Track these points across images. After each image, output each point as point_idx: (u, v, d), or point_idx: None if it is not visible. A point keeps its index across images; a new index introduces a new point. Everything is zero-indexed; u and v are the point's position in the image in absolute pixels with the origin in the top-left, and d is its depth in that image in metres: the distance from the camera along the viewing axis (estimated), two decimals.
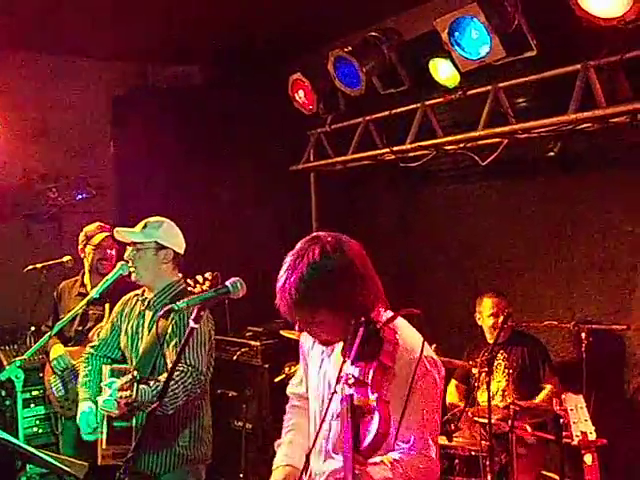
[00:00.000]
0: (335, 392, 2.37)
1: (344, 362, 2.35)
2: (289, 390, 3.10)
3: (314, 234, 2.58)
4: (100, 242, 5.42)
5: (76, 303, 5.34)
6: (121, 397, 3.58)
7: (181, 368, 3.72)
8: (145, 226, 4.05)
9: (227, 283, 2.88)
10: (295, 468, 2.74)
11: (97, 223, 5.57)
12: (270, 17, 5.99)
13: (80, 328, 5.24)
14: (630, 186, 5.23)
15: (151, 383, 3.70)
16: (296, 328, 2.58)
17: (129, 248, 4.06)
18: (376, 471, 2.35)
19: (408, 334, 2.54)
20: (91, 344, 4.29)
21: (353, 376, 2.27)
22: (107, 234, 5.42)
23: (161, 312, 2.90)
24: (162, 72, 7.46)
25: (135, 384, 3.60)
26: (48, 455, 3.19)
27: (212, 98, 7.02)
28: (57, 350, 5.14)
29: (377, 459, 2.39)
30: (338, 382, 2.35)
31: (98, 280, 5.32)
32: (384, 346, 2.33)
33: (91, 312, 5.22)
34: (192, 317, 2.77)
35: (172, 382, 3.61)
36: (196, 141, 6.94)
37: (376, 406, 2.21)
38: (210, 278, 4.32)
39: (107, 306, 4.93)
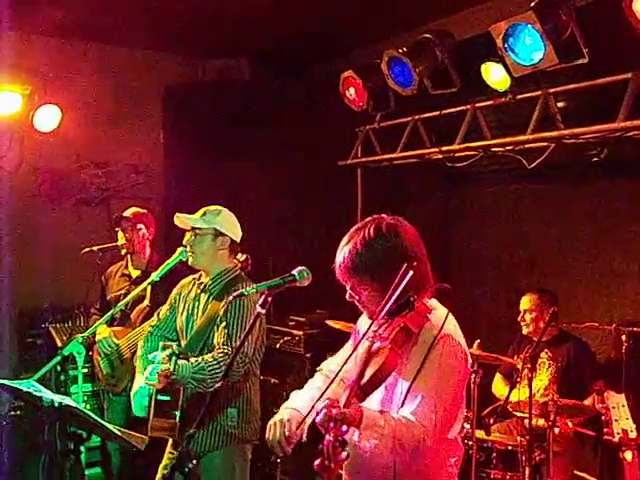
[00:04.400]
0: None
1: (374, 319, 2.57)
2: (324, 365, 3.26)
3: (377, 215, 2.83)
4: (118, 225, 5.60)
5: (120, 284, 5.57)
6: (161, 370, 3.71)
7: (226, 351, 3.86)
8: (205, 213, 4.22)
9: (294, 271, 3.02)
10: (300, 413, 2.82)
11: (133, 209, 5.70)
12: (322, 13, 6.11)
13: (124, 308, 5.37)
14: None
15: (192, 360, 3.82)
16: (347, 296, 2.80)
17: (188, 234, 4.23)
18: (370, 412, 2.47)
19: (441, 315, 2.66)
20: (152, 324, 4.46)
21: (379, 333, 2.53)
22: (120, 215, 5.60)
23: (231, 297, 3.07)
24: (213, 64, 7.61)
25: (173, 357, 3.73)
26: (116, 428, 3.38)
27: (262, 91, 7.15)
28: (102, 331, 5.28)
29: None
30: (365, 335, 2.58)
31: (136, 262, 5.58)
32: (413, 313, 2.57)
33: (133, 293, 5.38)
34: (259, 302, 2.89)
35: (215, 363, 3.79)
36: (245, 133, 7.06)
37: (387, 352, 2.44)
38: (241, 260, 4.40)
39: (148, 287, 4.99)
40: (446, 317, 2.61)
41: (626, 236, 5.73)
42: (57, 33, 6.52)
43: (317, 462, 2.21)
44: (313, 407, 2.58)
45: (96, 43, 6.93)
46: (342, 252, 2.75)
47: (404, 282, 2.52)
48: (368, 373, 2.44)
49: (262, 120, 7.03)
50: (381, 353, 2.47)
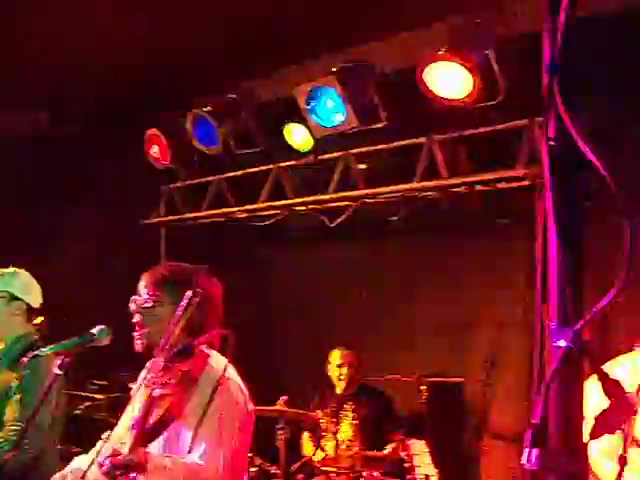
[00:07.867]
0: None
1: (154, 362, 2.58)
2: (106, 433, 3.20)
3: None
4: None
5: None
6: None
7: (19, 428, 3.56)
8: (2, 275, 3.98)
9: (94, 330, 2.91)
10: (80, 469, 2.74)
11: None
12: (127, 73, 6.03)
13: None
14: (469, 250, 5.68)
15: None
16: (130, 307, 2.83)
17: None
18: (156, 456, 2.49)
19: (219, 361, 2.73)
20: None
21: (158, 379, 2.53)
22: None
23: (26, 358, 2.90)
24: (9, 118, 7.29)
25: None
26: None
27: (64, 147, 6.90)
28: None
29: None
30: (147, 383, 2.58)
31: None
32: (193, 359, 2.66)
33: None
34: (57, 364, 2.77)
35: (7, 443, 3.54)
36: (47, 191, 6.77)
37: (169, 398, 2.54)
38: (38, 323, 4.19)
39: None
40: (228, 362, 2.62)
41: (427, 293, 5.99)
42: None
43: None
44: (93, 461, 2.52)
45: None
46: (161, 265, 3.02)
47: (180, 317, 2.58)
48: (151, 419, 2.48)
49: (64, 177, 6.74)
50: (163, 399, 2.53)
